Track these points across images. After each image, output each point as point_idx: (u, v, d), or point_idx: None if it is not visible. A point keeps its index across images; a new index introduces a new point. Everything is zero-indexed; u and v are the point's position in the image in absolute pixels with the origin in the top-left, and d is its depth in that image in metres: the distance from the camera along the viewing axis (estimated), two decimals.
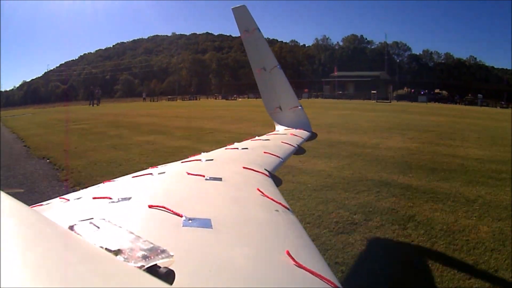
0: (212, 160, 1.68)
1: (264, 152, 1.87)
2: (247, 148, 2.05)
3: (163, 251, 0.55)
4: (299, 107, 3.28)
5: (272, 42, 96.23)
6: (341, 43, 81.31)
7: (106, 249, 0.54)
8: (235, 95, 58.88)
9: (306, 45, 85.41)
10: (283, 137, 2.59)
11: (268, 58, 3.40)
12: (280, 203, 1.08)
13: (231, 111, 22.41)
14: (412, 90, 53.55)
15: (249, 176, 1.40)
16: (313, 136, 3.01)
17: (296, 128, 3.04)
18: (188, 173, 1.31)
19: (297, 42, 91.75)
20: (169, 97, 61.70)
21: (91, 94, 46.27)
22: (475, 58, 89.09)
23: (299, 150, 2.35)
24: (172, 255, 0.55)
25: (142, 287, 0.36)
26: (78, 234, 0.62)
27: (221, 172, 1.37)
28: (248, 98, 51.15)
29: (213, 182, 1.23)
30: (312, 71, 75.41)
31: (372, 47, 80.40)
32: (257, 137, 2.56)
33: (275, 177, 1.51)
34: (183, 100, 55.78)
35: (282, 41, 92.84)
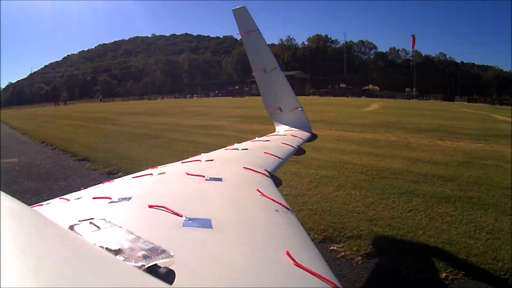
0: (212, 160, 1.69)
1: (264, 153, 1.88)
2: (247, 149, 2.07)
3: (163, 251, 0.55)
4: (299, 108, 3.28)
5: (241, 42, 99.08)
6: (306, 43, 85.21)
7: (106, 249, 0.55)
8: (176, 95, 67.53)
9: (275, 45, 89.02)
10: (283, 138, 2.61)
11: (268, 59, 3.42)
12: (280, 203, 1.08)
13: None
14: (333, 87, 58.48)
15: (249, 176, 1.41)
16: (313, 137, 3.03)
17: (296, 129, 3.06)
18: (188, 174, 1.32)
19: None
20: (122, 98, 67.91)
21: (56, 97, 66.84)
22: (445, 55, 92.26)
23: (299, 151, 2.36)
24: (172, 255, 0.55)
25: (142, 287, 0.36)
26: (78, 234, 0.62)
27: (221, 172, 1.38)
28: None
29: (213, 183, 1.24)
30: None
31: (337, 46, 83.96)
32: (257, 138, 2.57)
33: (275, 177, 1.52)
34: (139, 100, 65.75)
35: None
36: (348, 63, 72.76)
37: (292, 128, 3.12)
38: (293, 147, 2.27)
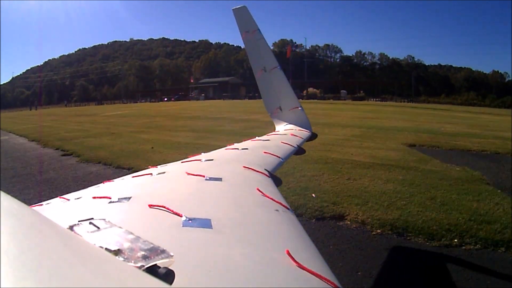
0: (212, 160, 1.69)
1: (264, 152, 1.89)
2: (247, 148, 2.07)
3: (163, 251, 0.55)
4: (299, 108, 3.29)
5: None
6: (272, 48, 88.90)
7: (106, 249, 0.55)
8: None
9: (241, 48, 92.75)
10: (283, 137, 2.61)
11: (268, 59, 3.42)
12: (280, 203, 1.08)
13: None
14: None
15: (249, 176, 1.41)
16: (313, 136, 3.05)
17: (296, 129, 3.08)
18: (188, 173, 1.32)
19: (229, 44, 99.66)
20: (82, 104, 76.91)
21: (31, 102, 74.10)
22: (413, 57, 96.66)
23: (299, 151, 2.37)
24: (172, 255, 0.55)
25: (142, 287, 0.36)
26: (78, 234, 0.62)
27: (221, 172, 1.38)
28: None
29: (213, 182, 1.23)
30: (240, 74, 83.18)
31: (302, 50, 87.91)
32: (257, 137, 2.58)
33: (275, 177, 1.53)
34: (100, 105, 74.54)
35: (218, 42, 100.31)
36: (312, 67, 76.71)
37: (292, 127, 3.14)
38: (293, 146, 2.29)
